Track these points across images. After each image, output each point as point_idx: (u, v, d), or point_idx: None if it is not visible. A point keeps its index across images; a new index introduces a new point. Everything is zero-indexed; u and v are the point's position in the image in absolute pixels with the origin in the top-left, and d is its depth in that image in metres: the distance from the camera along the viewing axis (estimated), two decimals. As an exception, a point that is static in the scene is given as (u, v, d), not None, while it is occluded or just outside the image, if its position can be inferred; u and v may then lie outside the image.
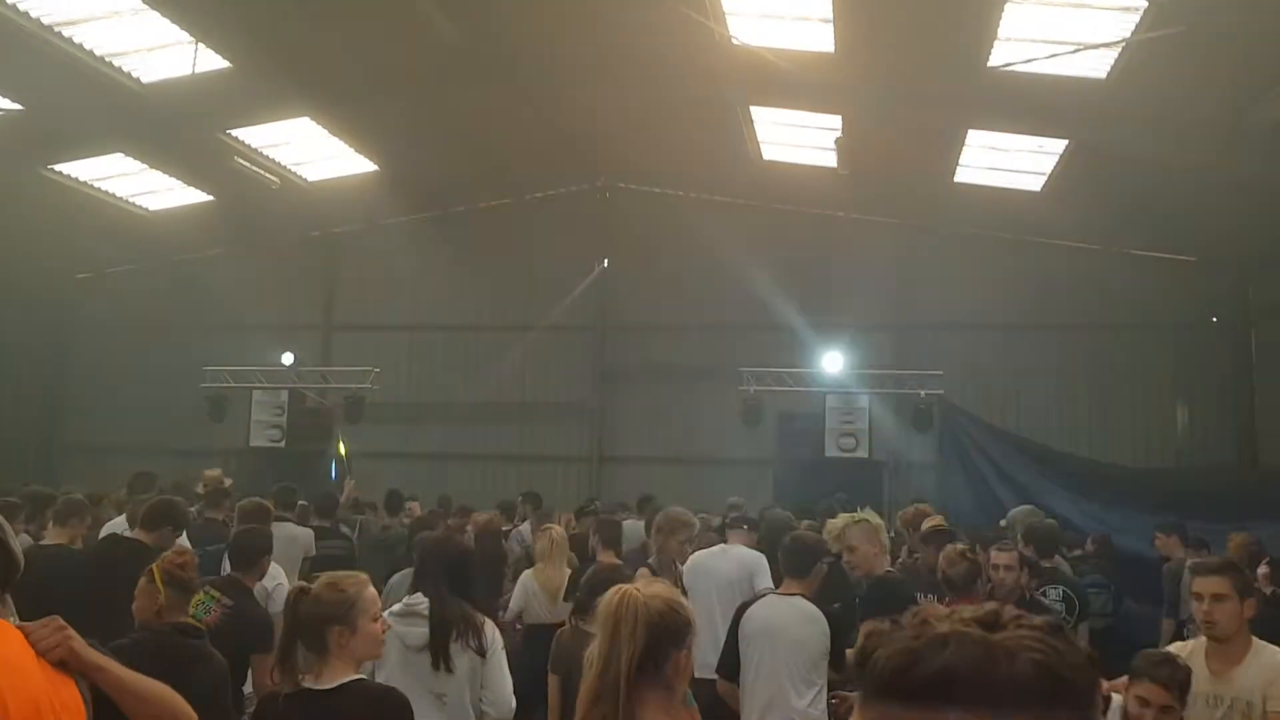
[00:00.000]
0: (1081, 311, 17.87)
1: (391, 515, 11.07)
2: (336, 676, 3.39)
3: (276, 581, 6.01)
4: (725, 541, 7.24)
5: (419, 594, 4.54)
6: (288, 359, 18.56)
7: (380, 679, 4.35)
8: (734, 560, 6.71)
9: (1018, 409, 17.77)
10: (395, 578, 6.92)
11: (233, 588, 5.41)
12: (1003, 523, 10.56)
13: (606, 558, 6.75)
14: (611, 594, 2.72)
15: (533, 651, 6.43)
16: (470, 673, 4.34)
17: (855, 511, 6.85)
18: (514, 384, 20.05)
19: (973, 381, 17.57)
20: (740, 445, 17.52)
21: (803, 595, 5.29)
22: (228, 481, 13.12)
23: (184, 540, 6.48)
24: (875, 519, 6.32)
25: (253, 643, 5.06)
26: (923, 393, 16.04)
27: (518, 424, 20.10)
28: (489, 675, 4.37)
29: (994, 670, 0.93)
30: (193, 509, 9.61)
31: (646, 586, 2.82)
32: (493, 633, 4.48)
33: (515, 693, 4.44)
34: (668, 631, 2.64)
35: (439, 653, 4.32)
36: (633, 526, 11.25)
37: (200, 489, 12.19)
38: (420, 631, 4.37)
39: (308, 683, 3.40)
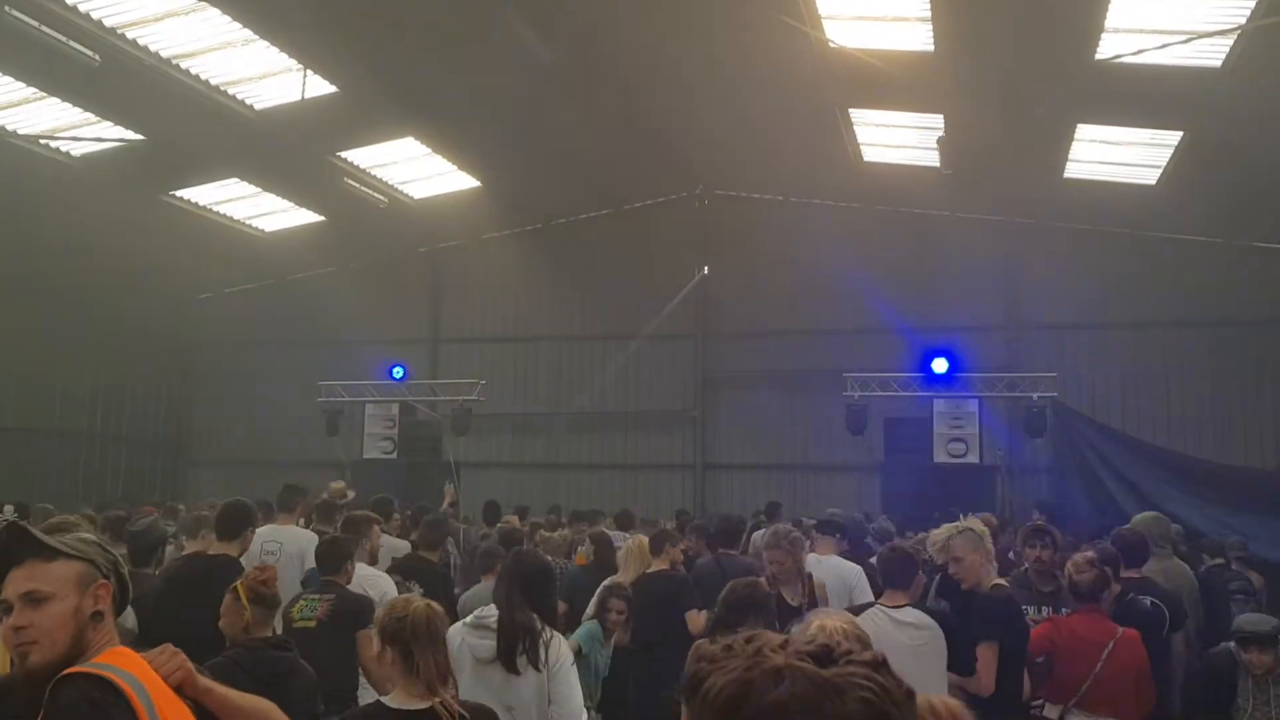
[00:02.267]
0: (1203, 307, 17.10)
1: (490, 525, 11.25)
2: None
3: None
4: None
5: (491, 606, 4.59)
6: (398, 373, 19.03)
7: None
8: (830, 572, 6.61)
9: (1137, 411, 17.12)
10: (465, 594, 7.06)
11: (328, 587, 5.81)
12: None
13: (659, 564, 7.01)
14: (804, 629, 2.75)
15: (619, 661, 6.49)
16: (538, 685, 4.36)
17: (959, 520, 6.68)
18: (617, 393, 20.18)
19: (1089, 383, 17.03)
20: (846, 452, 17.31)
21: (910, 605, 5.19)
22: (350, 494, 13.50)
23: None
24: (980, 527, 6.14)
25: (359, 622, 5.56)
26: (1036, 395, 15.56)
27: (621, 432, 20.23)
28: (556, 689, 4.36)
29: (824, 706, 0.97)
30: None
31: (830, 618, 2.83)
32: (559, 647, 4.49)
33: (608, 701, 4.45)
34: None
35: (508, 663, 4.38)
36: (763, 537, 11.23)
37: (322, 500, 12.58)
38: (489, 644, 4.43)
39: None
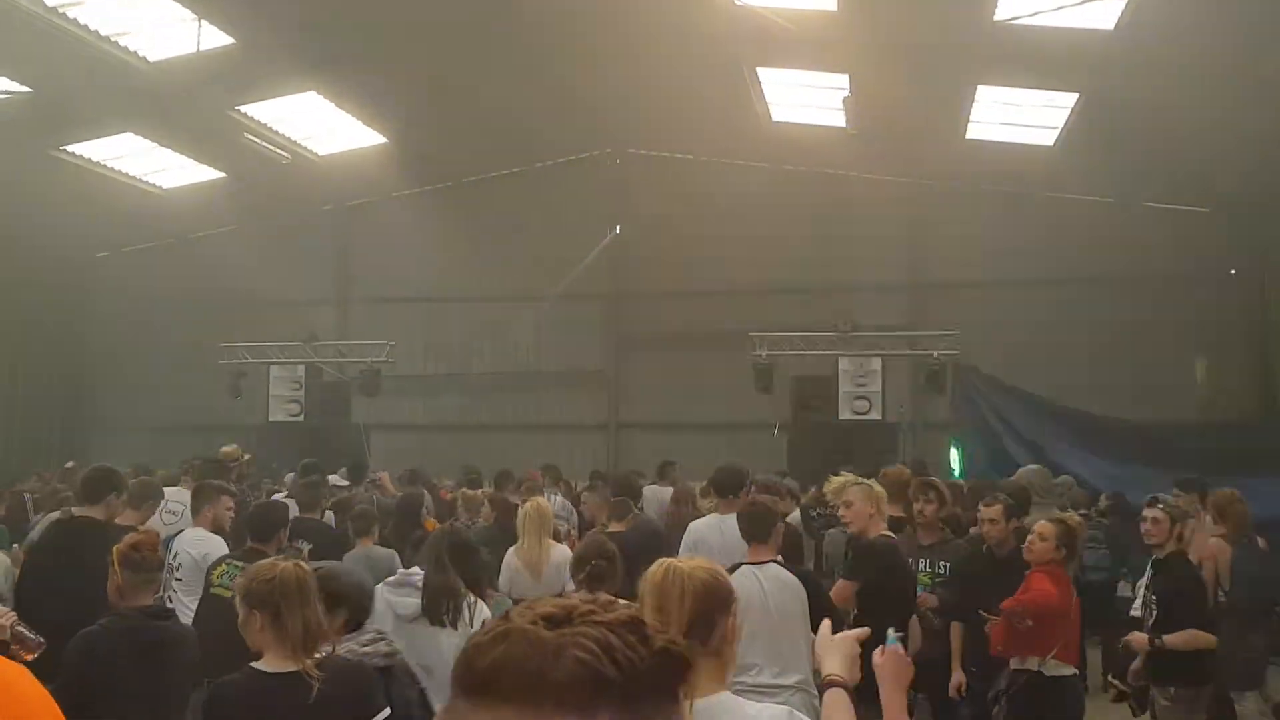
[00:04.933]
0: (1097, 266, 17.62)
1: (354, 485, 11.28)
2: None
3: None
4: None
5: (415, 566, 4.68)
6: (304, 333, 18.66)
7: None
8: (733, 535, 6.49)
9: (1033, 366, 17.58)
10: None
11: (253, 556, 5.64)
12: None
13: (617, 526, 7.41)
14: (656, 568, 2.79)
15: None
16: (459, 646, 4.37)
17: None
18: (529, 353, 20.12)
19: (987, 340, 17.43)
20: (754, 410, 17.50)
21: (774, 561, 5.30)
22: (246, 456, 13.25)
23: None
24: (878, 488, 6.40)
25: None
26: (936, 353, 15.92)
27: (533, 393, 20.18)
28: None
29: (537, 666, 0.95)
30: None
31: (687, 561, 2.88)
32: (483, 611, 4.56)
33: None
34: (714, 600, 2.70)
35: (433, 617, 4.45)
36: (653, 492, 11.32)
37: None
38: (412, 602, 4.45)
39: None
